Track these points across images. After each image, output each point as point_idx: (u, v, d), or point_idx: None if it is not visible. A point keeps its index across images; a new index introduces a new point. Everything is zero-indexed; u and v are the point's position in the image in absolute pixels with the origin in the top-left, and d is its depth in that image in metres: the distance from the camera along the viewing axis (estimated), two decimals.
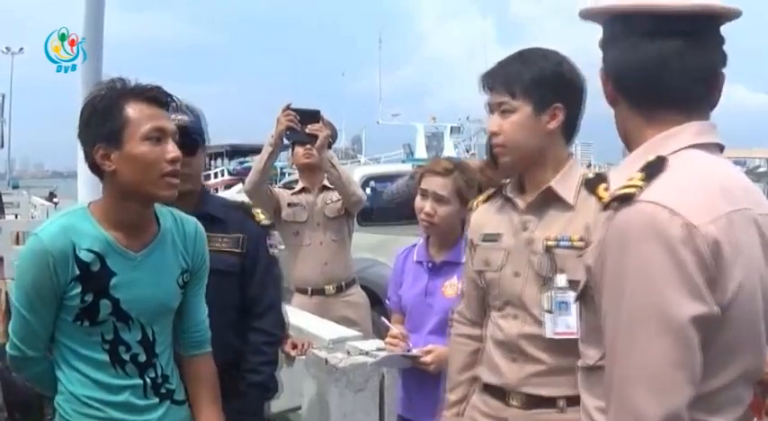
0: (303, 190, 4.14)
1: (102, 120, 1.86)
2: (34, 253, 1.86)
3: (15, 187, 24.63)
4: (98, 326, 1.90)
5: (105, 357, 1.93)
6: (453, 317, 2.24)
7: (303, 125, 3.67)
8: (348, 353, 2.86)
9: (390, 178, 7.18)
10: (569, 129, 2.00)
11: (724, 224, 1.20)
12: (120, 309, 1.91)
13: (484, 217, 2.12)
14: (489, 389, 2.03)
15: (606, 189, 1.93)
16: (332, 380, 2.71)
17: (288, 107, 3.66)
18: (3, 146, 12.12)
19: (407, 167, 7.22)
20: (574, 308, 1.86)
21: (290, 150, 4.36)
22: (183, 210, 2.26)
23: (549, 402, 1.92)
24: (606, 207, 1.27)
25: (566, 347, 1.87)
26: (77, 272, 1.86)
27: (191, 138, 2.35)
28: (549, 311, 1.89)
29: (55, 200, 17.98)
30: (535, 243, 1.95)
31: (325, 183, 4.08)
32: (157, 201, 1.96)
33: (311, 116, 3.73)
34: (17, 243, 5.81)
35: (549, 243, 1.93)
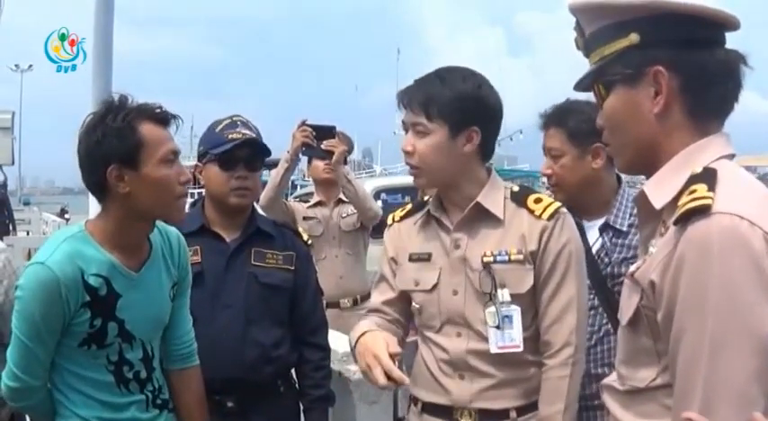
0: (319, 203, 4.15)
1: (116, 141, 1.82)
2: (45, 282, 1.79)
3: (26, 204, 24.67)
4: (104, 348, 1.89)
5: (110, 378, 1.92)
6: (374, 309, 2.17)
7: (319, 141, 3.68)
8: None
9: (401, 190, 7.20)
10: (485, 150, 1.99)
11: None
12: (125, 329, 1.90)
13: (406, 234, 2.10)
14: (433, 409, 2.00)
15: (536, 201, 1.88)
16: (345, 392, 2.69)
17: (303, 123, 3.67)
18: (13, 163, 12.15)
19: None
20: (517, 321, 1.88)
21: (308, 163, 4.35)
22: (238, 225, 2.35)
23: (501, 414, 1.93)
24: (676, 221, 1.19)
25: (512, 360, 1.91)
26: (87, 298, 1.84)
27: (258, 152, 2.39)
28: (496, 327, 1.89)
29: (66, 216, 18.08)
30: (470, 260, 1.94)
31: (341, 196, 4.08)
32: (167, 222, 1.98)
33: (327, 132, 3.74)
34: (29, 259, 5.78)
35: (486, 259, 1.92)
